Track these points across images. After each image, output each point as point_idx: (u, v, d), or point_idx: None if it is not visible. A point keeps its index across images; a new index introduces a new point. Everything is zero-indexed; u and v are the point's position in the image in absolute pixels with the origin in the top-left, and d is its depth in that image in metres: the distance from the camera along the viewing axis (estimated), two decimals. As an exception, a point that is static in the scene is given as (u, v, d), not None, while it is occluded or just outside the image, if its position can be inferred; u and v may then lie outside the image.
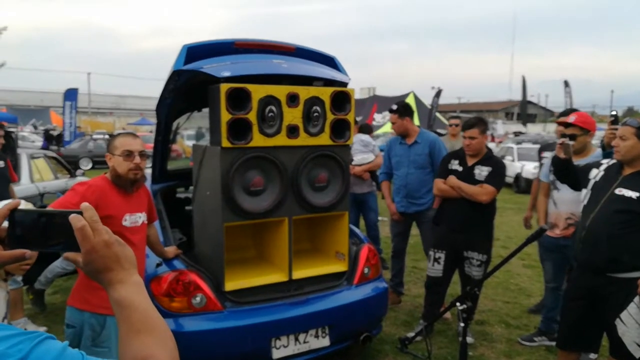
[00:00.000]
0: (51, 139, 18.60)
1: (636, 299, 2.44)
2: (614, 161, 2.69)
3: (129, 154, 2.32)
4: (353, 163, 5.11)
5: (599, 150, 3.53)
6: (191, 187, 3.80)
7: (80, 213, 0.78)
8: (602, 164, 2.78)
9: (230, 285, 2.83)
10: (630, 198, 2.49)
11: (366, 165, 5.22)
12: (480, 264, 3.59)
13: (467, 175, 3.60)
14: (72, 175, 7.14)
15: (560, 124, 3.75)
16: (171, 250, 2.88)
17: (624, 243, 2.49)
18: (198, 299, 2.72)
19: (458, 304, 2.09)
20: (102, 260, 0.80)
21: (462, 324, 2.10)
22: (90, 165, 8.67)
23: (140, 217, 2.47)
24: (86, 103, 36.25)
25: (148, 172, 3.60)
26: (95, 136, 20.61)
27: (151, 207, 2.69)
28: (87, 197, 2.18)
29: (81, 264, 0.80)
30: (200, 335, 2.68)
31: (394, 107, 4.43)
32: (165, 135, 3.33)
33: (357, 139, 5.20)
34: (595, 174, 2.73)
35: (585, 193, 2.75)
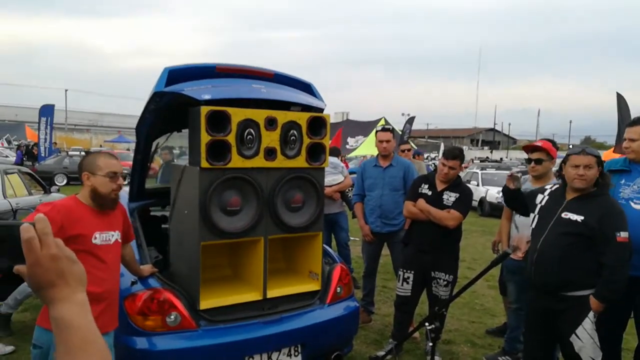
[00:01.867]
0: (30, 154, 18.31)
1: (590, 314, 2.62)
2: (557, 186, 2.90)
3: (113, 175, 2.37)
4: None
5: (554, 179, 3.76)
6: (167, 206, 3.84)
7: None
8: (546, 189, 2.99)
9: (205, 303, 2.86)
10: (576, 221, 2.68)
11: (336, 185, 5.39)
12: (447, 284, 3.74)
13: (436, 200, 3.77)
14: (47, 191, 7.01)
15: (526, 148, 3.95)
16: (147, 268, 2.89)
17: (573, 263, 2.67)
18: (172, 317, 2.74)
19: (427, 323, 2.19)
20: (46, 274, 0.75)
21: (430, 344, 2.21)
22: (65, 182, 8.58)
23: (113, 236, 2.47)
24: (63, 119, 35.66)
25: (126, 189, 3.64)
26: (71, 152, 20.45)
27: (128, 226, 2.69)
28: (51, 217, 2.18)
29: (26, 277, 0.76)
30: (175, 353, 2.69)
31: (389, 126, 4.81)
32: (144, 154, 3.37)
33: None
34: (541, 199, 2.94)
35: (532, 217, 2.95)
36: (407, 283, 3.85)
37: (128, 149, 31.31)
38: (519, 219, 3.75)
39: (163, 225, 3.98)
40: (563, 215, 2.74)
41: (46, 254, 0.75)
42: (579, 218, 2.67)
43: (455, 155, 3.82)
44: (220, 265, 3.40)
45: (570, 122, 60.86)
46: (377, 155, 4.70)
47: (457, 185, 3.84)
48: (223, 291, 3.06)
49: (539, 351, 2.94)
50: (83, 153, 18.24)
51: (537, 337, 2.90)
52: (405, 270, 3.88)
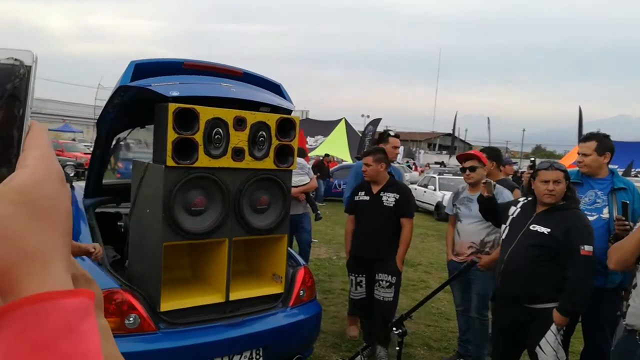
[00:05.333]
0: None
1: (553, 327, 2.69)
2: (529, 199, 2.98)
3: None
4: None
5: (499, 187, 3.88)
6: (123, 203, 3.71)
7: None
8: (519, 201, 3.07)
9: (166, 305, 2.79)
10: (542, 233, 2.74)
11: (302, 187, 5.40)
12: (389, 285, 3.83)
13: (375, 203, 3.88)
14: None
15: (459, 158, 4.08)
16: (87, 246, 2.63)
17: (538, 276, 2.73)
18: (132, 319, 2.65)
19: (394, 328, 2.22)
20: None
21: (397, 347, 2.24)
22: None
23: None
24: (1, 105, 33.66)
25: (81, 184, 3.50)
26: None
27: None
28: None
29: None
30: (133, 357, 2.60)
31: (368, 151, 4.22)
32: (104, 150, 3.25)
33: None
34: (514, 211, 3.01)
35: (504, 229, 3.02)
36: (361, 286, 3.96)
37: (74, 139, 30.05)
38: (460, 225, 3.87)
39: (119, 223, 3.85)
40: (531, 227, 2.80)
41: None
42: (546, 230, 2.74)
43: (367, 152, 3.98)
44: (180, 266, 3.32)
45: (524, 130, 63.30)
46: None
47: (392, 184, 3.95)
48: (184, 293, 3.00)
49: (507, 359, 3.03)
50: None
51: (504, 347, 2.98)
52: (357, 275, 3.98)
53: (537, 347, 2.74)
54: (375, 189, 3.91)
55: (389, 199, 3.82)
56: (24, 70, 0.40)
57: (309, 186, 5.51)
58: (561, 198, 2.80)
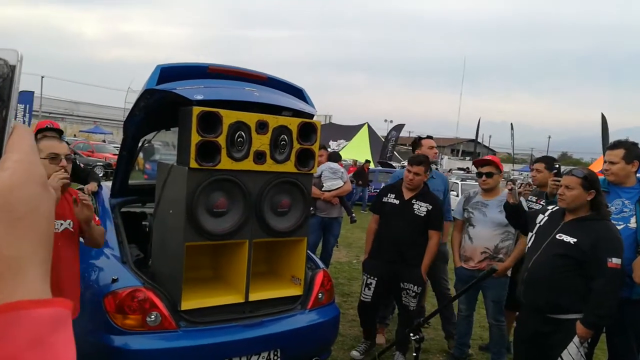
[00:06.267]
0: None
1: (575, 339, 2.62)
2: (558, 207, 2.93)
3: (54, 157, 2.27)
4: (323, 189, 5.45)
5: (506, 191, 3.83)
6: (148, 203, 3.80)
7: None
8: (548, 209, 3.01)
9: (187, 304, 2.84)
10: (568, 243, 2.68)
11: (335, 191, 5.47)
12: (415, 295, 3.80)
13: (405, 209, 3.81)
14: None
15: (476, 163, 4.04)
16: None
17: (562, 286, 2.67)
18: (153, 317, 2.71)
19: (412, 334, 2.22)
20: None
21: (414, 354, 2.24)
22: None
23: (62, 224, 2.38)
24: (37, 106, 34.97)
25: (108, 184, 3.60)
26: None
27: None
28: None
29: None
30: (153, 354, 2.67)
31: (419, 159, 3.98)
32: (130, 151, 3.34)
33: (327, 167, 5.60)
34: (541, 219, 2.95)
35: (530, 236, 2.97)
36: (369, 289, 3.91)
37: (104, 141, 30.79)
38: (473, 230, 3.82)
39: (144, 222, 3.93)
40: (557, 236, 2.75)
41: None
42: (572, 240, 2.68)
43: (419, 161, 3.83)
44: (202, 266, 3.38)
45: (549, 137, 62.11)
46: None
47: (426, 193, 3.88)
48: (204, 292, 3.05)
49: None
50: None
51: (526, 358, 2.93)
52: (369, 276, 3.94)
53: (559, 359, 2.68)
54: (407, 195, 3.83)
55: (421, 207, 3.77)
56: (7, 70, 0.38)
57: (342, 190, 5.58)
58: (577, 205, 2.73)
